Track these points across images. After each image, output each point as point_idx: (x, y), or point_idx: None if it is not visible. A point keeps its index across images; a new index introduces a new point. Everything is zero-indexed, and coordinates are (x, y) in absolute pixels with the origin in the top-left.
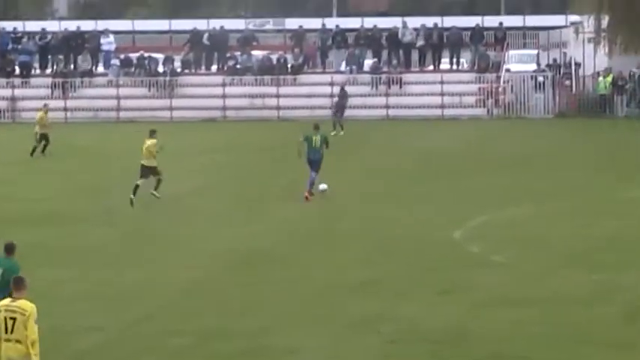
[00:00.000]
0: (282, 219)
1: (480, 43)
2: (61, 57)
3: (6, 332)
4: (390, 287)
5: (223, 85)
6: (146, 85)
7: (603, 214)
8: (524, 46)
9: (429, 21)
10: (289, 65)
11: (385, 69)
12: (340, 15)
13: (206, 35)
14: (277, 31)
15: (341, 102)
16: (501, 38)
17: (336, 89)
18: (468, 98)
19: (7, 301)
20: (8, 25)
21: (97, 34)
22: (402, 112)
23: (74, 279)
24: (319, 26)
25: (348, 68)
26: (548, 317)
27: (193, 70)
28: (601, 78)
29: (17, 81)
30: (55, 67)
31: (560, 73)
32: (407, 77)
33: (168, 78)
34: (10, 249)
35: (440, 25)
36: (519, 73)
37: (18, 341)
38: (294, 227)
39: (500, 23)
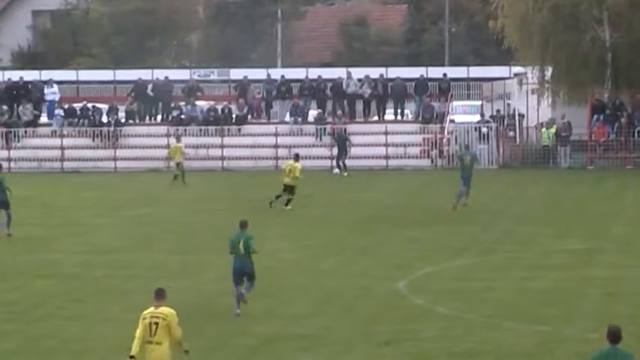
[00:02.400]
0: (223, 272)
1: (425, 93)
2: (4, 107)
3: (150, 335)
4: (332, 340)
5: (168, 135)
6: (90, 135)
7: (545, 267)
8: (469, 97)
9: (374, 72)
10: (234, 115)
11: (330, 119)
12: (285, 65)
13: (150, 85)
14: (222, 81)
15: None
16: (445, 89)
17: (281, 140)
18: (413, 149)
19: (151, 309)
20: None
21: (41, 84)
22: (346, 162)
23: (12, 333)
24: (264, 76)
25: (292, 119)
26: None
27: (138, 121)
28: (544, 129)
29: None
30: None
31: (504, 124)
32: (351, 128)
33: (112, 128)
34: (244, 225)
35: (384, 76)
36: (463, 124)
37: (158, 343)
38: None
39: (445, 74)
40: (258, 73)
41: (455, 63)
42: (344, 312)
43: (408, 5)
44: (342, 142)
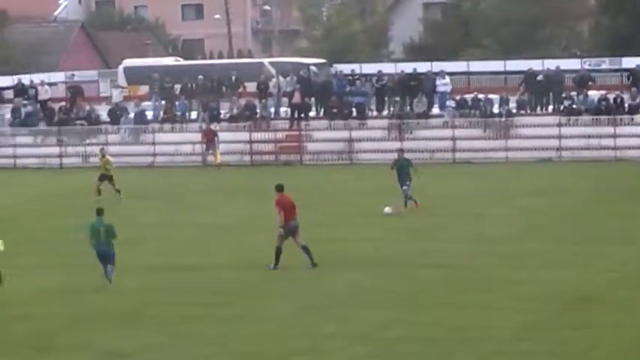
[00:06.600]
0: (611, 262)
1: None
2: (397, 99)
3: None
4: None
5: (559, 125)
6: (481, 126)
7: None
8: None
9: None
10: (626, 105)
11: None
12: None
13: (541, 75)
14: (614, 70)
15: None
16: None
17: None
18: None
19: None
20: (346, 68)
21: (433, 76)
22: None
23: (398, 320)
24: None
25: None
26: None
27: (528, 111)
28: None
29: (354, 123)
30: (391, 108)
31: None
32: None
33: (503, 119)
34: None
35: None
36: None
37: None
38: (626, 270)
39: None
40: None
41: None
42: None
43: None
44: None
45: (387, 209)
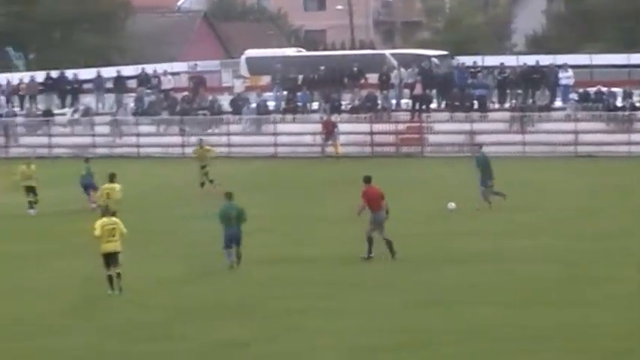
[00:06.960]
0: None
1: None
2: (519, 91)
3: None
4: None
5: None
6: (604, 119)
7: None
8: None
9: None
10: None
11: None
12: None
13: None
14: None
15: None
16: None
17: None
18: None
19: None
20: (468, 60)
21: (555, 69)
22: None
23: (506, 317)
24: None
25: None
26: None
27: None
28: None
29: (475, 115)
30: (512, 101)
31: None
32: None
33: (627, 112)
34: None
35: None
36: None
37: None
38: None
39: None
40: None
41: None
42: None
43: None
44: None
45: (452, 205)
